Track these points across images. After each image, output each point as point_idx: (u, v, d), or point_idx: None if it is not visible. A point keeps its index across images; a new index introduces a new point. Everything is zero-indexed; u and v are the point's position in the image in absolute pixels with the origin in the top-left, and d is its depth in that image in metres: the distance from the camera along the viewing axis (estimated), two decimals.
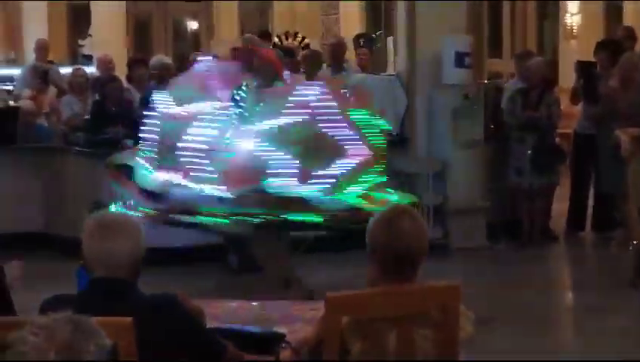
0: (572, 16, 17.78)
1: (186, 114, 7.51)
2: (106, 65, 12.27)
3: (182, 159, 7.38)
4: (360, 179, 7.53)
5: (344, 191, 7.41)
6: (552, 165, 10.41)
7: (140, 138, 9.81)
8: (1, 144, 10.35)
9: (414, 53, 10.51)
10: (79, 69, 11.96)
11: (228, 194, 7.21)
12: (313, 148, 7.39)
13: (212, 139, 7.36)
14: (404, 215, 3.65)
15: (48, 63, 13.27)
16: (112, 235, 3.49)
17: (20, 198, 10.27)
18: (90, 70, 12.48)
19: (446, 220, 10.23)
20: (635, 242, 8.74)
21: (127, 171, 7.79)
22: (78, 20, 23.18)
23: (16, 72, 15.36)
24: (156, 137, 7.67)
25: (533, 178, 10.35)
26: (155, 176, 7.55)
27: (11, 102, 13.54)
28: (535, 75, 10.61)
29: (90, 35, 17.50)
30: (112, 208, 7.37)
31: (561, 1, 18.14)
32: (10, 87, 15.18)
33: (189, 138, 7.41)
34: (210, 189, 7.27)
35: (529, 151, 10.30)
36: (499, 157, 10.71)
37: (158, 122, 7.69)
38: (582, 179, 10.78)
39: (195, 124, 7.43)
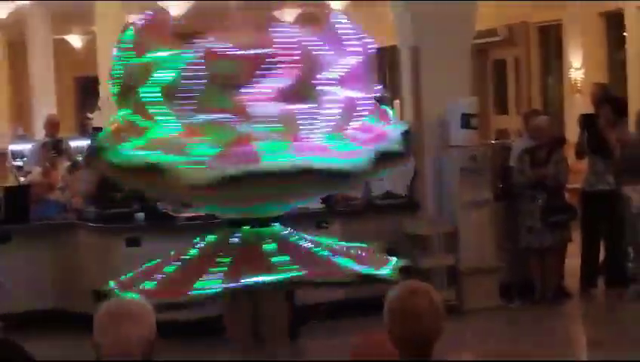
0: (576, 70, 17.85)
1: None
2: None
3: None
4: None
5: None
6: (562, 222, 10.40)
7: (149, 211, 9.89)
8: (14, 222, 10.36)
9: (421, 116, 10.57)
10: None
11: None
12: None
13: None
14: (421, 295, 3.66)
15: (58, 139, 13.15)
16: (123, 324, 3.52)
17: (32, 275, 10.24)
18: None
19: (459, 281, 10.21)
20: None
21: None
22: (87, 94, 23.39)
23: (26, 147, 15.38)
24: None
25: (545, 236, 10.34)
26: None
27: (22, 179, 13.59)
28: (542, 133, 10.66)
29: (99, 109, 17.56)
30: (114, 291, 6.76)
31: (564, 56, 18.22)
32: (21, 163, 15.25)
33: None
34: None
35: (539, 210, 10.31)
36: (509, 217, 10.71)
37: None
38: (593, 235, 10.75)
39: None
